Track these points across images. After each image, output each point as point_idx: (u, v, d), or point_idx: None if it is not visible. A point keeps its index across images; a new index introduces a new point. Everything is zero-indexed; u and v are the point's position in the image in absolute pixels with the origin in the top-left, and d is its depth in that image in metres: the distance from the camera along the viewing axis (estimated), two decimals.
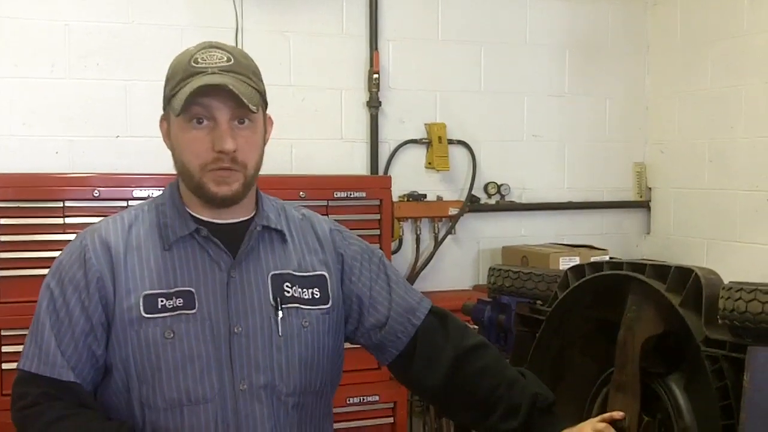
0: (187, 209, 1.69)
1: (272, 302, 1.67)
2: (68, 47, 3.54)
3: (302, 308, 1.70)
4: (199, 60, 1.62)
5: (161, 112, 1.71)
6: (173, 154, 1.68)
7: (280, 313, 1.67)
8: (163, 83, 1.69)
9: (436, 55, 4.10)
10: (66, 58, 3.53)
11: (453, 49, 4.12)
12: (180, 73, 1.62)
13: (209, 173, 1.61)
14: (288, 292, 1.70)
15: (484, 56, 4.18)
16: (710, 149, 4.13)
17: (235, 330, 1.63)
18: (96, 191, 3.12)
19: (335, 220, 3.37)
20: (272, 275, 1.69)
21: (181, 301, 1.62)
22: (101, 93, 3.58)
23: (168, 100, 1.64)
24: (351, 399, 3.35)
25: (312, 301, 1.72)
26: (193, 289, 1.63)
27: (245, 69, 1.65)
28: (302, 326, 1.69)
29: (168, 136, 1.69)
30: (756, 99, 3.86)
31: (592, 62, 4.40)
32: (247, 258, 1.68)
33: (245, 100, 1.58)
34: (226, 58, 1.63)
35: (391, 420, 3.51)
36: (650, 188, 4.53)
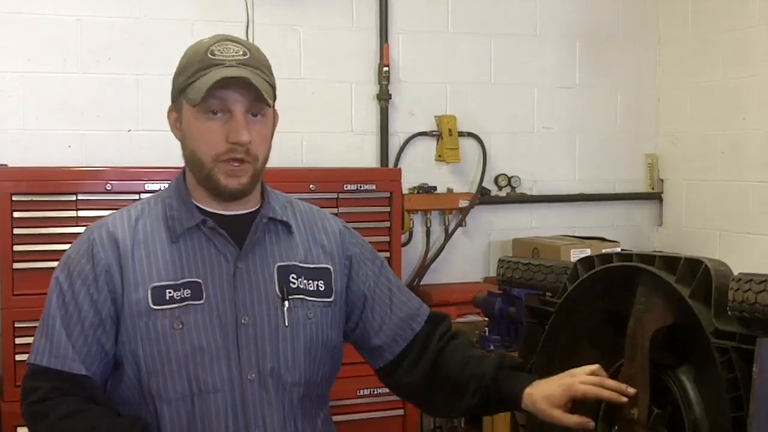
0: (193, 201, 1.70)
1: (278, 293, 1.69)
2: (80, 42, 3.56)
3: (307, 300, 1.72)
4: (216, 52, 1.62)
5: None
6: (183, 144, 1.69)
7: (287, 304, 1.68)
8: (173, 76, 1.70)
9: (446, 47, 4.09)
10: (78, 53, 3.56)
11: (463, 41, 4.12)
12: (196, 64, 1.62)
13: (221, 164, 1.63)
14: (294, 283, 1.71)
15: (494, 48, 4.18)
16: (722, 140, 4.11)
17: (243, 321, 1.65)
18: (108, 184, 3.15)
19: (345, 212, 3.43)
20: (278, 266, 1.71)
21: (189, 292, 1.63)
22: (113, 87, 3.60)
23: (181, 90, 1.64)
24: (361, 391, 3.36)
25: (316, 293, 1.74)
26: (200, 280, 1.64)
27: (259, 63, 1.66)
28: (307, 317, 1.71)
29: (177, 126, 1.69)
30: None
31: (603, 54, 4.38)
32: (254, 249, 1.70)
33: (264, 95, 1.60)
34: (242, 52, 1.64)
35: (401, 412, 3.52)
36: (662, 180, 4.52)
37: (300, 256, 1.74)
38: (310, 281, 1.73)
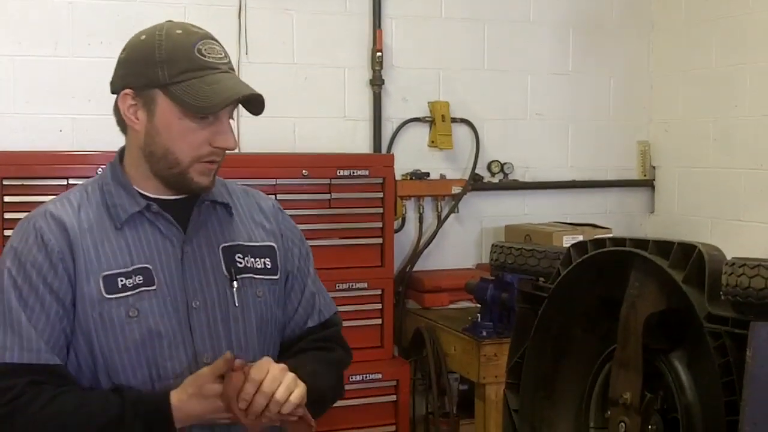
0: (134, 187, 1.68)
1: (226, 273, 1.69)
2: (72, 25, 3.53)
3: (255, 278, 1.73)
4: (204, 52, 1.61)
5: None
6: (148, 137, 1.64)
7: (235, 284, 1.69)
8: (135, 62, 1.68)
9: (440, 32, 4.08)
10: (69, 37, 3.53)
11: (456, 26, 4.10)
12: (183, 62, 1.60)
13: (198, 164, 1.63)
14: (240, 263, 1.72)
15: (487, 34, 4.16)
16: (714, 128, 4.11)
17: (194, 305, 1.65)
18: (99, 169, 3.12)
19: (338, 198, 3.43)
20: (223, 247, 1.72)
21: (141, 278, 1.62)
22: (104, 71, 3.50)
23: (163, 85, 1.60)
24: (353, 377, 3.37)
25: (264, 271, 1.75)
26: (150, 266, 1.63)
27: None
28: (256, 296, 1.72)
29: (135, 116, 1.64)
30: (760, 77, 3.85)
31: (596, 40, 4.37)
32: (197, 232, 1.70)
33: (263, 108, 1.66)
34: (223, 54, 1.64)
35: (393, 398, 3.53)
36: (654, 167, 4.52)
37: (244, 236, 1.75)
38: (258, 259, 1.75)
